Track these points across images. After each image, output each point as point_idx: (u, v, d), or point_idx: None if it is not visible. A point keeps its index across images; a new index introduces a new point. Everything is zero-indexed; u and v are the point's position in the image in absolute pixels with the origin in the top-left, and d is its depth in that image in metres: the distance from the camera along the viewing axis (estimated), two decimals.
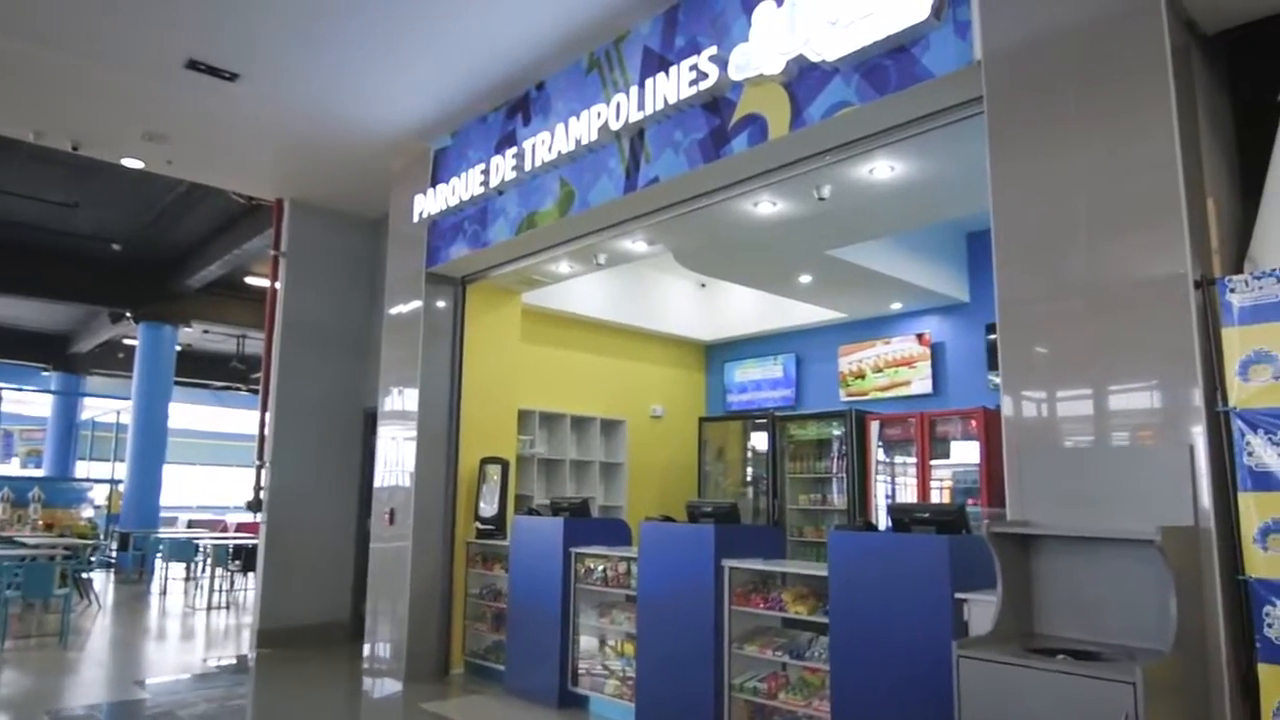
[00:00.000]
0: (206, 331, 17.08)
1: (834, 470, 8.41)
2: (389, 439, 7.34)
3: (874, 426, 8.01)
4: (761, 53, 4.42)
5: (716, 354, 10.54)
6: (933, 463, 7.56)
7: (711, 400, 10.52)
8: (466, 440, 7.21)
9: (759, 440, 9.20)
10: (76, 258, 13.61)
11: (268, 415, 8.36)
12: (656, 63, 5.14)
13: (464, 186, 6.49)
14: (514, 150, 6.06)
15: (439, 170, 7.04)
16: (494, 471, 7.06)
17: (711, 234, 6.27)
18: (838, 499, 8.34)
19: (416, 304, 7.19)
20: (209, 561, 11.45)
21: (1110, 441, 3.14)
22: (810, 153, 4.64)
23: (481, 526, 6.99)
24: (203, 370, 20.37)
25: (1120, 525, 2.98)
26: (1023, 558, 3.26)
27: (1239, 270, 3.21)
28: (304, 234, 8.65)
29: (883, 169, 4.90)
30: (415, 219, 7.04)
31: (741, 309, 9.85)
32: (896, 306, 8.55)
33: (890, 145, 4.45)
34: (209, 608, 10.71)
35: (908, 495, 7.72)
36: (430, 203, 6.85)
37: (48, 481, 16.94)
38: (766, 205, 5.47)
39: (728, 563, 4.88)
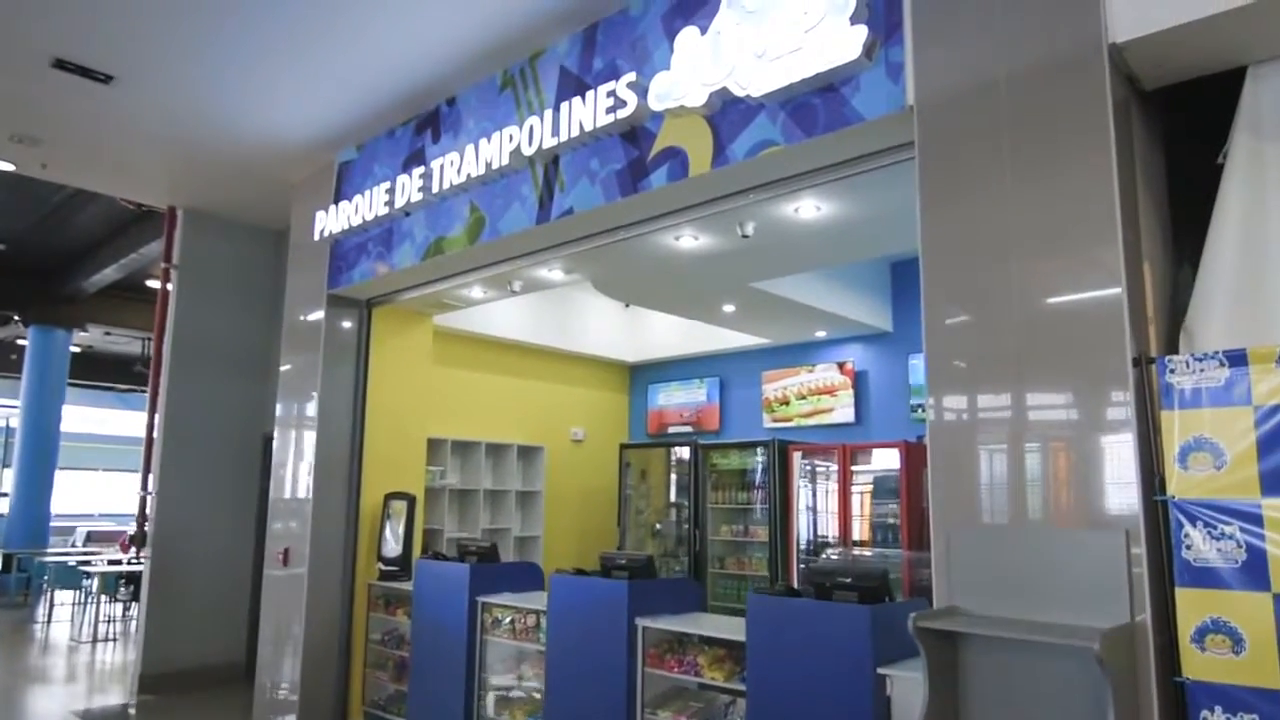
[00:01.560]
0: (108, 333, 16.10)
1: (756, 501, 8.19)
2: (285, 470, 6.83)
3: (796, 457, 7.83)
4: (683, 82, 4.13)
5: (640, 375, 10.25)
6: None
7: (634, 423, 10.23)
8: (370, 473, 6.74)
9: (681, 466, 8.94)
10: None
11: (155, 438, 7.74)
12: (573, 85, 4.81)
13: (368, 205, 6.05)
14: (421, 170, 5.65)
15: (343, 185, 6.57)
16: (399, 508, 6.62)
17: (631, 264, 5.98)
18: (760, 530, 8.13)
19: (317, 326, 6.70)
20: (96, 589, 10.67)
21: (1044, 526, 2.94)
22: (733, 190, 4.37)
23: (384, 567, 6.55)
24: (105, 372, 19.26)
25: (1055, 620, 2.77)
26: (950, 648, 3.04)
27: (1174, 342, 3.04)
28: (199, 245, 8.05)
29: (808, 208, 4.65)
30: (317, 237, 6.56)
31: (665, 331, 9.57)
32: (820, 334, 8.39)
33: (817, 186, 4.21)
34: (94, 640, 9.97)
35: (829, 528, 7.55)
36: (332, 221, 6.38)
37: None
38: (688, 239, 5.19)
39: (641, 621, 4.58)
